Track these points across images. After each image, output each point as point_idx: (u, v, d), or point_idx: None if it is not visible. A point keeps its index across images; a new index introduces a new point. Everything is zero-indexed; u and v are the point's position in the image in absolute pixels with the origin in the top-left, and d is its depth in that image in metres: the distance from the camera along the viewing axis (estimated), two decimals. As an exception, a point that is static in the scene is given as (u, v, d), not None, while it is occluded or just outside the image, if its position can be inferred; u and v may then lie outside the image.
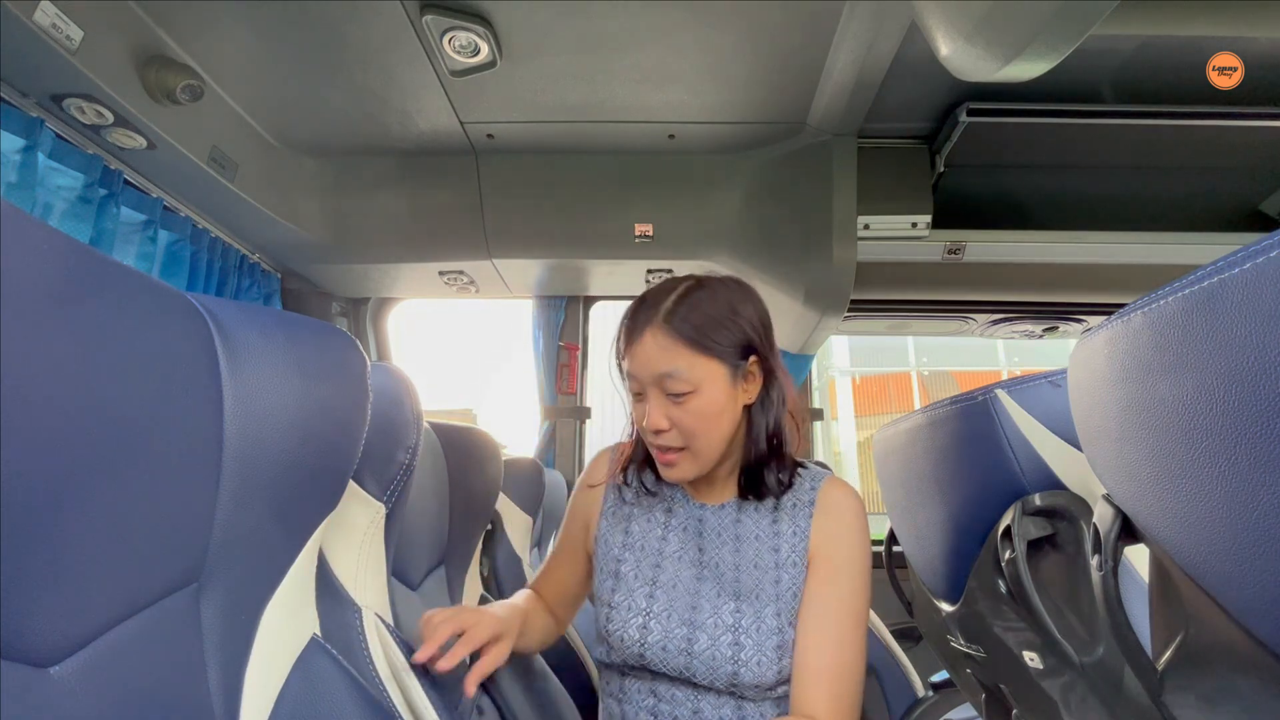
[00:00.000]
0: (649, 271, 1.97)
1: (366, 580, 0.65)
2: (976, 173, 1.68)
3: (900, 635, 1.56)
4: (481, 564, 1.16)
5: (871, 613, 1.49)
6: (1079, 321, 2.01)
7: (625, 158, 1.76)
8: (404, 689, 0.63)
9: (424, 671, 0.65)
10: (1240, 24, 1.25)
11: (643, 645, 0.76)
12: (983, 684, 0.84)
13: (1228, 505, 0.31)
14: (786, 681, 0.75)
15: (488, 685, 0.91)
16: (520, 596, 0.89)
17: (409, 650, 0.65)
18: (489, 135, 1.66)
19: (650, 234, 1.81)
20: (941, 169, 1.64)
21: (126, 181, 1.35)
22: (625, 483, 0.88)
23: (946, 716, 1.38)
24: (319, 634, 0.54)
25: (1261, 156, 1.59)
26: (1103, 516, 0.48)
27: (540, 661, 1.06)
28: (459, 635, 0.68)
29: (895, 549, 1.36)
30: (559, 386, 2.26)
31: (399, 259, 1.89)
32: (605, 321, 2.41)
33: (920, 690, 1.46)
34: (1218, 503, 0.31)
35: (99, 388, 0.31)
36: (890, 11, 1.16)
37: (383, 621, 0.64)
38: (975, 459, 0.69)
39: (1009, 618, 0.70)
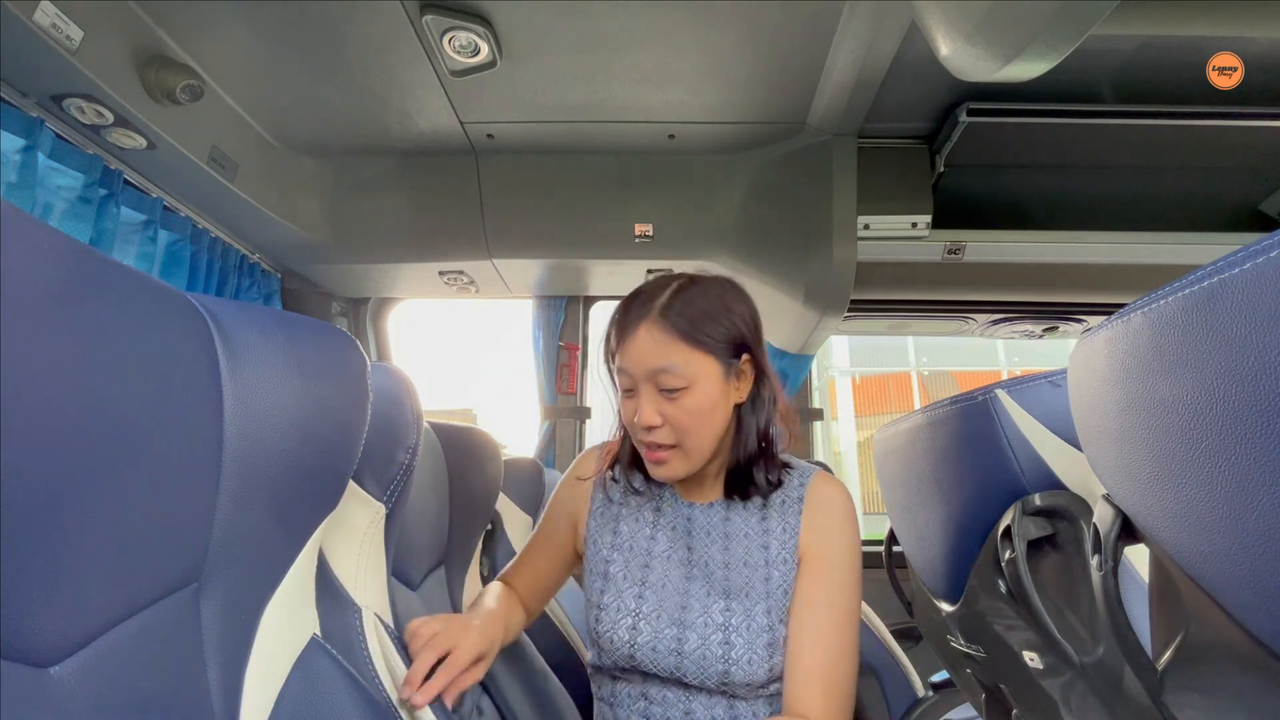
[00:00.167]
0: (649, 271, 1.96)
1: (366, 580, 0.65)
2: (976, 173, 1.68)
3: (900, 635, 1.55)
4: (481, 564, 1.16)
5: (872, 613, 1.49)
6: (1079, 321, 2.01)
7: (625, 158, 1.76)
8: (404, 689, 0.63)
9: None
10: (1240, 24, 1.25)
11: (633, 646, 0.76)
12: (983, 684, 0.84)
13: (1228, 505, 0.31)
14: (778, 679, 0.74)
15: (488, 685, 0.91)
16: (493, 596, 0.84)
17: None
18: (489, 135, 1.66)
19: (650, 234, 1.81)
20: (941, 169, 1.64)
21: (126, 181, 1.35)
22: (614, 480, 0.87)
23: (946, 716, 1.38)
24: (319, 634, 0.54)
25: (1261, 156, 1.59)
26: (1103, 516, 0.48)
27: (540, 661, 1.06)
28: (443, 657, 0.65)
29: (895, 549, 1.36)
30: (559, 386, 2.26)
31: (399, 259, 1.89)
32: (605, 321, 2.39)
33: (920, 690, 1.46)
34: (1218, 503, 0.31)
35: (99, 388, 0.31)
36: (890, 11, 1.16)
37: (382, 622, 0.64)
38: (975, 459, 0.69)
39: (1009, 617, 0.70)
